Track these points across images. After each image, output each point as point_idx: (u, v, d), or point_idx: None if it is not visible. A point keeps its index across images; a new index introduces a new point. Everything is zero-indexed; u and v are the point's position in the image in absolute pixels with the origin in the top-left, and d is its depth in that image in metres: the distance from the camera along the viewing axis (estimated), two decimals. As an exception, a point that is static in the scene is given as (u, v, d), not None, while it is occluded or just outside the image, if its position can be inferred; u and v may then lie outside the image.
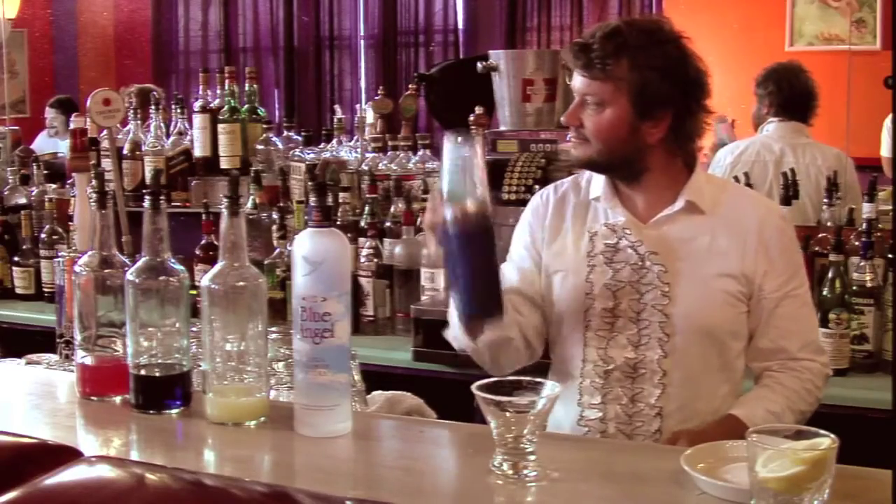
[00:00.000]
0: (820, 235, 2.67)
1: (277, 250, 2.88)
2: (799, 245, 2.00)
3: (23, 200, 3.69)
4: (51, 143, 5.35)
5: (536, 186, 2.60)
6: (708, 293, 1.86)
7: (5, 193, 3.75)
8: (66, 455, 1.19)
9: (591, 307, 1.90)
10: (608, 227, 1.93)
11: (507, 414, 1.36)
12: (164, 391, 1.64)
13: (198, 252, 3.05)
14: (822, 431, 1.22)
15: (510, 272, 1.99)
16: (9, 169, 3.91)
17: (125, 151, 3.45)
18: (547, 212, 2.02)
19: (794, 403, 1.86)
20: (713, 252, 1.88)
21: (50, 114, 5.61)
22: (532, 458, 1.37)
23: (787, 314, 1.88)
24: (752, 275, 1.87)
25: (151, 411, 1.63)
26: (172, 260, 1.64)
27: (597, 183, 1.98)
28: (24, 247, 3.49)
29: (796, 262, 1.93)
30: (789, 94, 3.57)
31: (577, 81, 1.88)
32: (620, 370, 1.87)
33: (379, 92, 3.61)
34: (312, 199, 1.54)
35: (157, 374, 1.64)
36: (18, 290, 3.48)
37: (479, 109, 3.18)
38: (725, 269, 1.87)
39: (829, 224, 2.74)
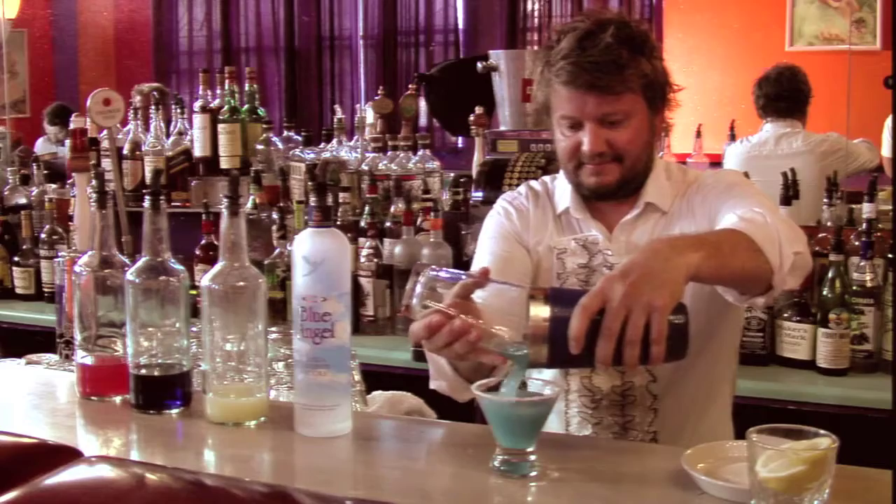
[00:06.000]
0: (820, 235, 2.67)
1: (277, 250, 2.88)
2: (749, 183, 1.85)
3: (23, 200, 3.69)
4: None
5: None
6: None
7: (5, 193, 3.76)
8: (66, 455, 1.19)
9: None
10: (580, 243, 1.81)
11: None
12: (164, 391, 1.64)
13: (198, 252, 3.05)
14: (822, 431, 1.21)
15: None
16: (9, 169, 3.91)
17: (125, 151, 3.45)
18: (514, 223, 1.87)
19: (784, 229, 1.58)
20: None
21: (51, 130, 5.60)
22: (532, 458, 1.37)
23: (731, 202, 1.70)
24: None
25: (151, 411, 1.63)
26: (172, 260, 1.63)
27: (563, 193, 1.86)
28: (24, 247, 3.49)
29: (734, 182, 1.79)
30: (778, 95, 3.72)
31: (590, 104, 1.70)
32: (608, 398, 1.78)
33: (379, 92, 3.61)
34: (312, 199, 1.54)
35: (157, 374, 1.64)
36: (18, 290, 3.48)
37: (479, 109, 3.19)
38: None
39: (829, 224, 2.74)
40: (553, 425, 1.81)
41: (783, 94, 3.73)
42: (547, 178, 1.95)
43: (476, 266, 1.81)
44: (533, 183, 1.95)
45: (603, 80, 1.68)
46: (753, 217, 1.58)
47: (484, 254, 1.84)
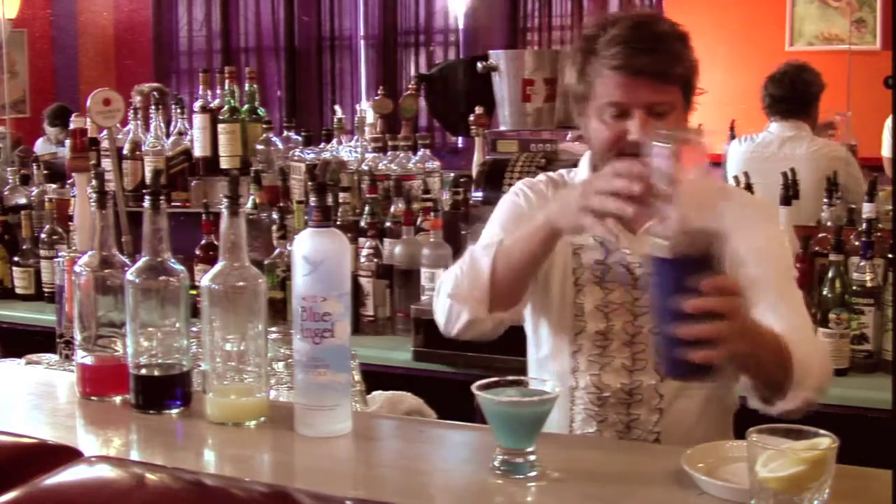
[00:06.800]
0: (820, 235, 2.67)
1: (277, 250, 2.88)
2: (788, 244, 1.89)
3: (23, 200, 3.69)
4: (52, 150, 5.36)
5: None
6: None
7: (5, 193, 3.75)
8: (66, 455, 1.19)
9: (583, 331, 1.79)
10: (598, 240, 1.78)
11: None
12: (164, 391, 1.64)
13: (198, 252, 3.05)
14: (822, 431, 1.22)
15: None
16: (9, 169, 3.91)
17: (125, 151, 3.45)
18: (532, 205, 1.84)
19: (822, 359, 1.67)
20: None
21: (51, 131, 5.59)
22: (532, 458, 1.37)
23: (775, 295, 1.72)
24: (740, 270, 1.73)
25: (151, 411, 1.63)
26: (172, 260, 1.63)
27: None
28: (24, 247, 3.49)
29: (783, 253, 1.81)
30: (785, 94, 3.68)
31: (642, 91, 1.69)
32: (616, 396, 1.78)
33: (379, 92, 3.61)
34: (312, 199, 1.54)
35: (157, 374, 1.64)
36: (18, 290, 3.48)
37: (479, 109, 3.19)
38: None
39: (829, 224, 2.74)
40: (556, 421, 1.81)
41: (787, 96, 3.68)
42: (563, 171, 1.94)
43: (484, 241, 1.82)
44: (551, 174, 1.94)
45: (658, 66, 1.69)
46: (802, 344, 1.61)
47: (494, 228, 1.85)
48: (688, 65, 1.73)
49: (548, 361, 1.86)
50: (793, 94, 3.69)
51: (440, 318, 1.78)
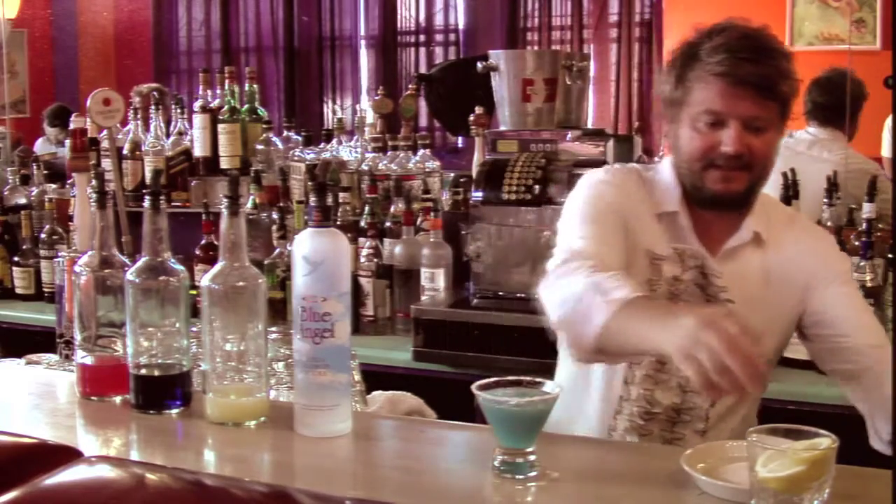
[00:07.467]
0: (820, 235, 2.67)
1: (277, 250, 2.88)
2: (844, 254, 1.88)
3: (23, 200, 3.69)
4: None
5: (536, 186, 2.59)
6: (768, 341, 1.73)
7: (5, 193, 3.75)
8: (66, 455, 1.19)
9: None
10: (678, 253, 1.75)
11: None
12: (164, 391, 1.64)
13: (198, 252, 3.05)
14: (822, 431, 1.22)
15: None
16: (9, 169, 3.91)
17: (125, 151, 3.45)
18: (625, 191, 1.77)
19: None
20: (774, 292, 1.75)
21: (51, 131, 5.60)
22: (532, 458, 1.37)
23: (854, 307, 1.75)
24: (807, 305, 1.74)
25: (151, 411, 1.63)
26: (172, 260, 1.63)
27: (666, 192, 1.78)
28: (24, 247, 3.49)
29: (847, 269, 1.84)
30: (826, 101, 3.58)
31: (743, 102, 1.65)
32: (665, 413, 1.76)
33: (379, 92, 3.61)
34: (312, 199, 1.54)
35: (157, 374, 1.64)
36: (18, 290, 3.48)
37: (479, 109, 3.18)
38: (784, 312, 1.75)
39: (829, 224, 2.74)
40: (593, 427, 1.79)
41: (828, 104, 3.56)
42: (640, 167, 1.87)
43: (570, 243, 1.70)
44: (618, 166, 1.87)
45: (763, 78, 1.65)
46: None
47: (583, 228, 1.73)
48: (791, 83, 1.70)
49: (597, 368, 1.79)
50: (829, 102, 3.55)
51: (549, 316, 1.62)
